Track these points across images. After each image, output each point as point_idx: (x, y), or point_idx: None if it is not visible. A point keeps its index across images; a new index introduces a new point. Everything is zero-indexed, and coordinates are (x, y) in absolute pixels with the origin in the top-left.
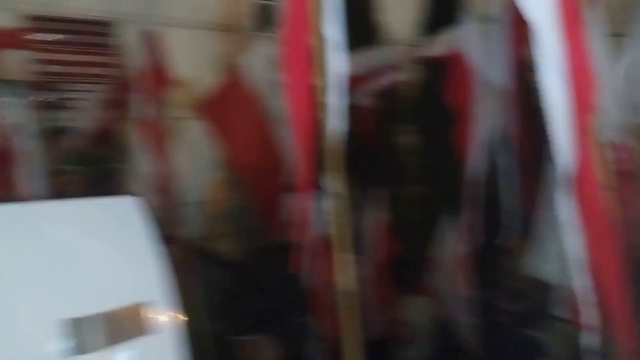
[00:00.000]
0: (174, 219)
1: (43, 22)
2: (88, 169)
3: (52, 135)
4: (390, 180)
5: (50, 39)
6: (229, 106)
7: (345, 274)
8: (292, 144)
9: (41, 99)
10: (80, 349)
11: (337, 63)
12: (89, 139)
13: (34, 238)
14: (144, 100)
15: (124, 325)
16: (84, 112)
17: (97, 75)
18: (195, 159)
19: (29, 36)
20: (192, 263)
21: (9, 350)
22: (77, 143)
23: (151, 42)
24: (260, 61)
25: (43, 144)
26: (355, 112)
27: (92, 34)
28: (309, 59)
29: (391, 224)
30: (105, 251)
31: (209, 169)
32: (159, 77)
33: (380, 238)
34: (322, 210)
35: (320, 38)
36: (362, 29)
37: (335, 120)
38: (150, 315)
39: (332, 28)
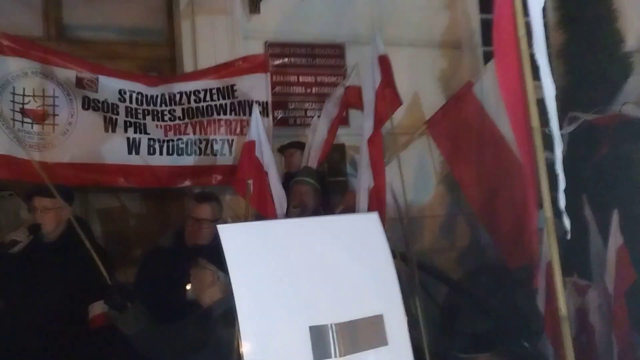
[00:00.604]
0: (398, 234)
1: (282, 47)
2: (318, 181)
3: (287, 149)
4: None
5: (287, 63)
6: (456, 124)
7: (559, 298)
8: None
9: (279, 117)
10: (325, 355)
11: (548, 87)
12: (317, 153)
13: (295, 250)
14: (372, 118)
15: (364, 335)
16: (315, 129)
17: (328, 95)
18: (420, 175)
19: (271, 61)
20: (414, 278)
21: (265, 351)
22: (308, 157)
23: (382, 62)
24: (489, 79)
25: (281, 157)
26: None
27: (324, 57)
28: (521, 82)
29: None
30: (353, 264)
31: (431, 185)
32: (388, 96)
33: (619, 264)
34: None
35: (528, 61)
36: (599, 38)
37: (556, 140)
38: (386, 327)
39: (539, 52)
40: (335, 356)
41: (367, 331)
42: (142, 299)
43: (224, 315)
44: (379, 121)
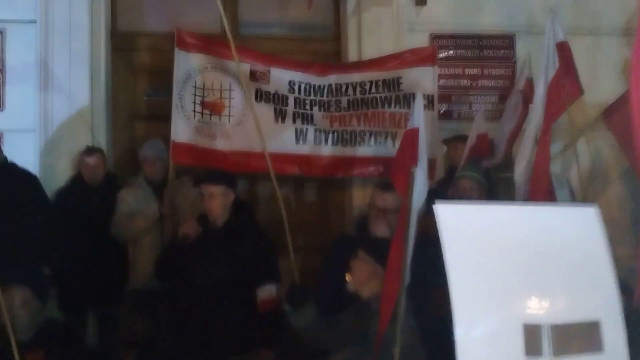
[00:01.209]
0: None
1: (449, 39)
2: (481, 175)
3: (452, 142)
4: None
5: (454, 55)
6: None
7: None
8: None
9: (444, 110)
10: (537, 353)
11: None
12: (482, 147)
13: (511, 238)
14: (541, 110)
15: (579, 339)
16: (480, 122)
17: (494, 88)
18: (593, 171)
19: (439, 53)
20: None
21: (476, 337)
22: (473, 150)
23: (560, 48)
24: None
25: (444, 150)
26: None
27: (493, 48)
28: None
29: None
30: (569, 262)
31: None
32: (567, 85)
33: None
34: None
35: None
36: None
37: None
38: (603, 334)
39: None
40: (547, 356)
41: (582, 336)
42: (318, 289)
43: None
44: (551, 115)
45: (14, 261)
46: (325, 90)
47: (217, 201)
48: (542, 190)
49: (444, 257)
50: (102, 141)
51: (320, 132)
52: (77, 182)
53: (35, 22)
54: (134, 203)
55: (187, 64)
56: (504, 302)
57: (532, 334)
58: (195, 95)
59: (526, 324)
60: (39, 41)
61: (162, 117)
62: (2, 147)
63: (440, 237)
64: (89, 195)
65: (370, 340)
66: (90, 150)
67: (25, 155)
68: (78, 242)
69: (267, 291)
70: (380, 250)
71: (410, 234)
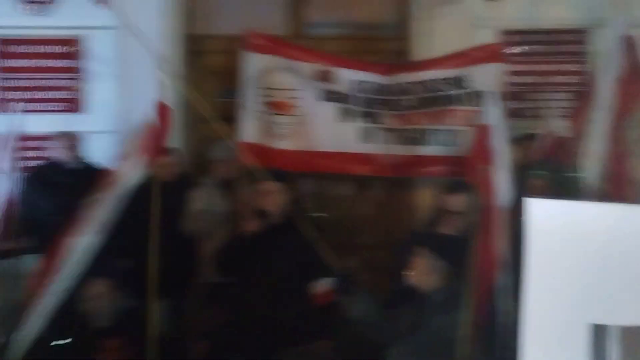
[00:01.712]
0: None
1: (518, 35)
2: (551, 175)
3: (521, 141)
4: None
5: (523, 51)
6: None
7: None
8: None
9: (512, 107)
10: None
11: None
12: (552, 145)
13: (601, 238)
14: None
15: None
16: (550, 120)
17: (565, 84)
18: None
19: (506, 49)
20: None
21: (543, 333)
22: (543, 149)
23: (630, 47)
24: None
25: (513, 148)
26: None
27: (564, 43)
28: None
29: None
30: None
31: None
32: (633, 83)
33: None
34: None
35: None
36: None
37: None
38: None
39: None
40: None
41: None
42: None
43: (443, 303)
44: (620, 113)
45: (96, 254)
46: (392, 89)
47: (274, 198)
48: (620, 189)
49: (524, 251)
50: (175, 142)
51: (386, 131)
52: (152, 180)
53: (114, 28)
54: (205, 202)
55: (255, 65)
56: (575, 301)
57: (599, 335)
58: (262, 95)
59: (594, 324)
60: (117, 46)
61: (232, 118)
62: (83, 149)
63: (525, 230)
64: (164, 193)
65: (430, 333)
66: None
67: (106, 155)
68: (153, 237)
69: (321, 285)
70: (445, 248)
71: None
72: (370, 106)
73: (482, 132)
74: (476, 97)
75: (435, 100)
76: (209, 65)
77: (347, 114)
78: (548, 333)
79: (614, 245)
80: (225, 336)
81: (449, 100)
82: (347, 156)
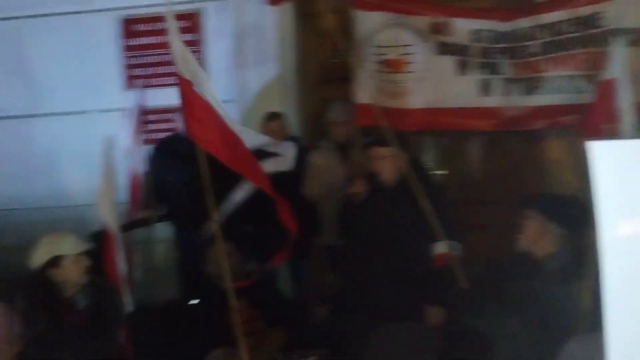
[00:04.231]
0: None
1: None
2: None
3: None
4: None
5: None
6: None
7: None
8: None
9: None
10: None
11: None
12: None
13: None
14: None
15: None
16: None
17: None
18: None
19: None
20: None
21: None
22: None
23: None
24: None
25: None
26: None
27: None
28: None
29: None
30: None
31: None
32: None
33: None
34: None
35: None
36: None
37: None
38: None
39: None
40: None
41: None
42: None
43: (560, 271)
44: None
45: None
46: (513, 35)
47: (387, 163)
48: None
49: (594, 199)
50: (292, 106)
51: (507, 81)
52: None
53: None
54: (323, 165)
55: (367, 23)
56: None
57: None
58: (375, 54)
59: None
60: (232, 16)
61: (347, 79)
62: None
63: (592, 178)
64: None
65: (546, 302)
66: (272, 116)
67: None
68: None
69: (441, 246)
70: (559, 210)
71: None
72: (490, 56)
73: (606, 87)
74: (610, 36)
75: (562, 44)
76: (320, 27)
77: (465, 67)
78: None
79: None
80: (346, 299)
81: (578, 42)
82: (467, 111)
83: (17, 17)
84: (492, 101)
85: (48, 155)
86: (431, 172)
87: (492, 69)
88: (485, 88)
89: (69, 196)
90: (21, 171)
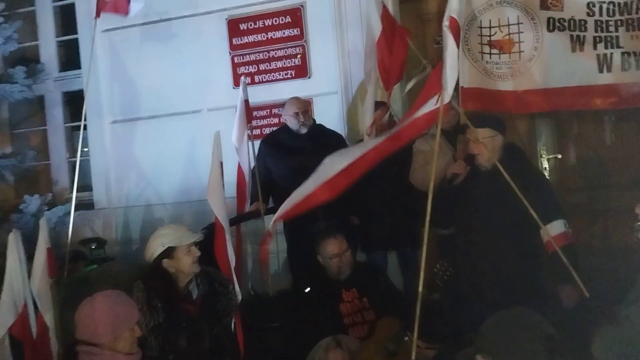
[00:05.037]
0: None
1: None
2: None
3: None
4: None
5: None
6: None
7: None
8: None
9: None
10: None
11: None
12: None
13: None
14: None
15: None
16: None
17: None
18: None
19: None
20: None
21: None
22: None
23: None
24: None
25: None
26: None
27: None
28: None
29: None
30: None
31: None
32: None
33: None
34: None
35: None
36: None
37: None
38: None
39: None
40: None
41: None
42: None
43: None
44: None
45: (328, 214)
46: (634, 5)
47: (484, 145)
48: None
49: None
50: (395, 94)
51: (628, 55)
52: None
53: None
54: (429, 152)
55: (470, 4)
56: None
57: None
58: (481, 35)
59: None
60: (333, 9)
61: None
62: (313, 112)
63: None
64: None
65: None
66: (377, 105)
67: (331, 116)
68: (380, 192)
69: (554, 228)
70: None
71: None
72: (608, 29)
73: None
74: None
75: None
76: (423, 12)
77: (579, 43)
78: None
79: None
80: (456, 287)
81: None
82: (584, 90)
83: (140, 24)
84: (611, 78)
85: (173, 153)
86: (542, 157)
87: (609, 43)
88: (604, 64)
89: (188, 191)
90: (147, 170)
